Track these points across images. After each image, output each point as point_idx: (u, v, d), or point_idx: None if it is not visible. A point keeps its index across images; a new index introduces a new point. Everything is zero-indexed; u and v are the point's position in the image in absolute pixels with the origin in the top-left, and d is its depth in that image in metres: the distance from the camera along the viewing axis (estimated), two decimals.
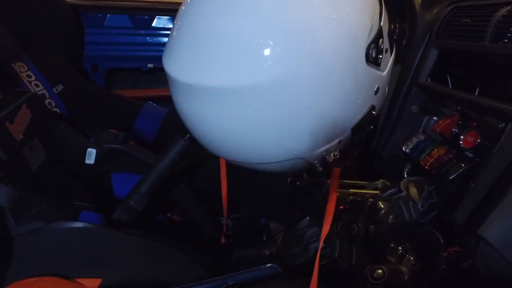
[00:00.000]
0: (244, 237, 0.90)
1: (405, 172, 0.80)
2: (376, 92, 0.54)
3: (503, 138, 0.56)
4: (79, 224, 0.52)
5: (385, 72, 0.57)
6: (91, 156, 0.70)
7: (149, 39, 1.57)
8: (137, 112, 1.35)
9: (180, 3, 0.54)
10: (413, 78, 0.81)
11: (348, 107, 0.50)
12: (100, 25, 1.50)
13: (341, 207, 0.69)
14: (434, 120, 0.80)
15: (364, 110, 0.54)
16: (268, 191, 0.81)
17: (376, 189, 0.82)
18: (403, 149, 0.80)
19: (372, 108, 0.55)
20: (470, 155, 0.65)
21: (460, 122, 0.70)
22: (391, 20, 0.95)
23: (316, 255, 0.59)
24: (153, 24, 1.55)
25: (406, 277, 0.61)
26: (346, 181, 0.81)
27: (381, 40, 0.52)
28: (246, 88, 0.44)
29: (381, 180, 0.83)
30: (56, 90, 1.21)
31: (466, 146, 0.65)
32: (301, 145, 0.50)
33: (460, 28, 0.69)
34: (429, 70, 0.78)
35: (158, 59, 1.56)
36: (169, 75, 0.51)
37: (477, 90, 0.71)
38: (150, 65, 1.58)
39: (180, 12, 0.52)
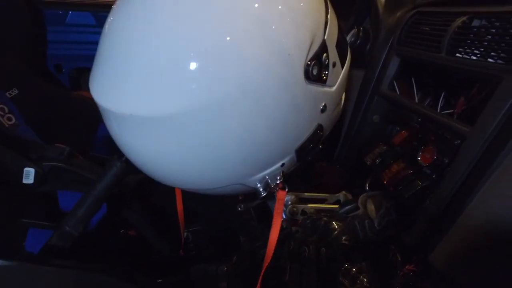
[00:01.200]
0: (206, 250, 0.86)
1: (367, 185, 0.77)
2: (323, 110, 0.51)
3: (457, 157, 0.53)
4: None
5: (334, 88, 0.53)
6: (29, 175, 0.65)
7: None
8: (101, 119, 1.29)
9: None
10: (375, 86, 0.77)
11: (287, 129, 0.47)
12: (62, 22, 1.42)
13: (294, 226, 0.66)
14: (397, 130, 0.77)
15: (310, 130, 0.50)
16: (222, 209, 0.77)
17: (337, 202, 0.78)
18: (365, 160, 0.77)
19: (319, 127, 0.51)
20: (428, 171, 0.62)
21: (420, 136, 0.66)
22: (357, 22, 0.91)
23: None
24: None
25: None
26: (306, 194, 0.77)
27: (325, 54, 0.48)
28: (165, 116, 0.39)
29: (343, 192, 0.80)
30: (10, 94, 1.15)
31: (423, 163, 0.62)
32: (236, 172, 0.47)
33: (420, 36, 0.66)
34: (390, 78, 0.74)
35: None
36: (93, 98, 0.46)
37: (441, 100, 0.68)
38: None
39: (105, 27, 0.47)
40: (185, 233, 0.82)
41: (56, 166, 0.69)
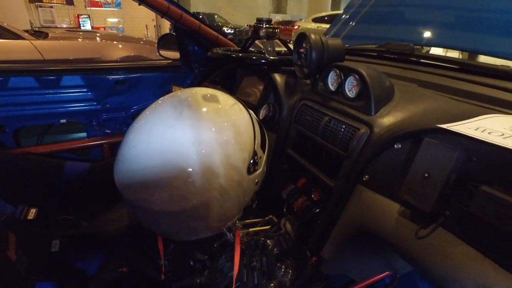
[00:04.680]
0: (180, 270, 1.19)
1: (285, 209, 1.20)
2: (256, 183, 0.90)
3: (330, 196, 0.98)
4: None
5: (261, 168, 0.93)
6: (56, 246, 0.90)
7: (58, 97, 1.66)
8: (60, 172, 1.49)
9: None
10: (283, 147, 1.20)
11: (240, 202, 0.85)
12: (4, 87, 1.54)
13: (244, 247, 1.05)
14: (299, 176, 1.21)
15: (250, 197, 0.89)
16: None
17: (267, 223, 1.20)
18: (282, 195, 1.19)
19: (254, 194, 0.91)
20: (317, 203, 1.07)
21: (312, 181, 1.11)
22: (266, 99, 1.33)
23: (232, 281, 0.93)
24: (61, 83, 1.64)
25: (288, 284, 1.00)
26: (246, 221, 1.17)
27: (256, 156, 0.87)
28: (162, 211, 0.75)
29: (270, 216, 1.22)
30: None
31: (315, 198, 1.06)
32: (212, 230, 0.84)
33: (305, 121, 1.10)
34: (292, 143, 1.18)
35: (71, 115, 1.78)
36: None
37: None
38: (63, 121, 1.68)
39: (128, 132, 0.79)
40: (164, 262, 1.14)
41: (72, 233, 0.95)
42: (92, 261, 0.97)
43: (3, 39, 3.04)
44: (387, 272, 0.98)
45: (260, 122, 1.03)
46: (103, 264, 1.01)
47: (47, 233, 0.94)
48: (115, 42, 3.95)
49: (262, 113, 1.30)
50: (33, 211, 1.14)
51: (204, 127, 0.77)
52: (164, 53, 1.93)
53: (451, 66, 1.07)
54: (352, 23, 1.65)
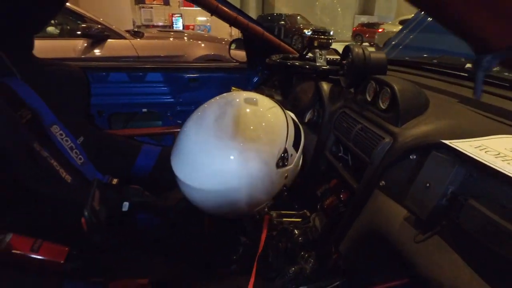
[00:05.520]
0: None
1: (318, 206, 1.31)
2: (286, 177, 1.04)
3: (354, 196, 1.07)
4: None
5: (292, 164, 1.06)
6: (125, 206, 1.16)
7: (143, 90, 2.00)
8: (138, 152, 1.81)
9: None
10: (322, 149, 1.31)
11: (269, 190, 1.00)
12: (105, 81, 1.91)
13: (274, 233, 1.19)
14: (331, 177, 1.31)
15: (278, 188, 1.03)
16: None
17: (300, 216, 1.32)
18: (317, 193, 1.30)
19: (284, 187, 1.04)
20: (344, 203, 1.16)
21: (342, 183, 1.20)
22: (313, 104, 1.44)
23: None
24: (146, 79, 1.98)
25: (308, 271, 1.12)
26: (282, 211, 1.30)
27: (285, 154, 1.01)
28: (203, 188, 0.92)
29: (305, 210, 1.34)
30: (79, 141, 1.64)
31: (343, 198, 1.16)
32: (245, 210, 1.00)
33: (342, 127, 1.19)
34: (330, 146, 1.28)
35: (151, 105, 2.13)
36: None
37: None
38: (145, 110, 2.02)
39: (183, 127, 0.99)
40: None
41: (140, 201, 1.20)
42: (151, 223, 1.21)
43: (111, 39, 3.64)
44: (405, 280, 1.04)
45: (299, 125, 1.15)
46: (159, 225, 1.25)
47: (121, 196, 1.20)
48: (199, 42, 4.37)
49: (308, 116, 1.42)
50: (115, 180, 1.43)
51: (242, 126, 0.94)
52: (235, 54, 2.16)
53: (499, 83, 1.07)
54: (412, 35, 1.66)
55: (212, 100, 1.05)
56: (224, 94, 1.08)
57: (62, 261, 0.93)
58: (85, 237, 1.03)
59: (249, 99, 1.02)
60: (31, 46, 1.40)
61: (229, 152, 0.91)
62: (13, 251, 0.89)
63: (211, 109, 0.99)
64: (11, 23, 1.24)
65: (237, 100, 1.01)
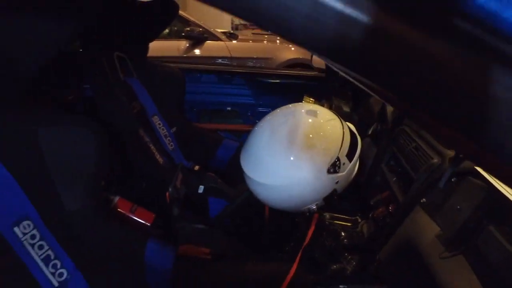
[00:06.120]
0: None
1: (370, 215, 1.39)
2: (336, 183, 1.16)
3: (398, 208, 1.13)
4: None
5: (345, 172, 1.17)
6: (201, 189, 1.42)
7: (229, 91, 2.27)
8: (219, 145, 2.08)
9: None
10: (379, 161, 1.38)
11: (319, 192, 1.13)
12: (198, 81, 2.23)
13: (324, 232, 1.32)
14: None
15: (328, 191, 1.16)
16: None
17: (352, 221, 1.42)
18: (370, 202, 1.38)
19: (334, 191, 1.17)
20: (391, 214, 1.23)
21: (392, 197, 1.27)
22: (376, 119, 1.51)
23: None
24: (232, 81, 2.24)
25: (348, 272, 1.23)
26: (335, 214, 1.42)
27: (338, 161, 1.13)
28: (268, 184, 1.10)
29: (357, 216, 1.43)
30: (172, 131, 1.97)
31: (390, 209, 1.23)
32: (299, 207, 1.15)
33: (399, 143, 1.25)
34: (387, 160, 1.35)
35: (234, 105, 2.43)
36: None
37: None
38: (229, 108, 2.29)
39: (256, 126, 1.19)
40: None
41: (213, 187, 1.45)
42: (220, 206, 1.45)
43: (209, 40, 4.10)
44: None
45: (356, 137, 1.25)
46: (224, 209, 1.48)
47: (199, 180, 1.47)
48: (289, 46, 4.58)
49: (372, 129, 1.50)
50: (197, 167, 1.72)
51: (301, 133, 1.10)
52: (316, 62, 2.30)
53: None
54: None
55: (278, 110, 1.22)
56: (291, 104, 1.25)
57: (149, 224, 1.22)
58: (167, 208, 1.31)
59: (311, 111, 1.16)
60: (146, 52, 1.76)
61: (288, 155, 1.08)
62: (118, 209, 1.21)
63: (277, 117, 1.17)
64: (136, 34, 1.60)
65: (300, 110, 1.16)
